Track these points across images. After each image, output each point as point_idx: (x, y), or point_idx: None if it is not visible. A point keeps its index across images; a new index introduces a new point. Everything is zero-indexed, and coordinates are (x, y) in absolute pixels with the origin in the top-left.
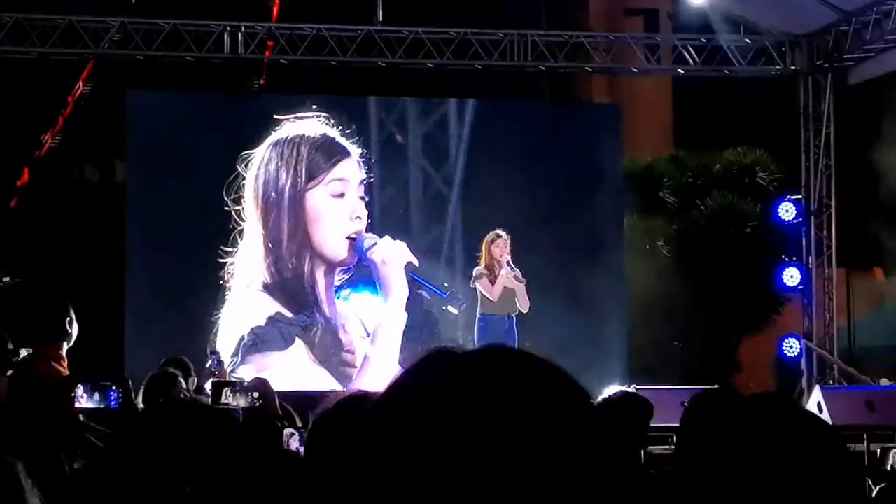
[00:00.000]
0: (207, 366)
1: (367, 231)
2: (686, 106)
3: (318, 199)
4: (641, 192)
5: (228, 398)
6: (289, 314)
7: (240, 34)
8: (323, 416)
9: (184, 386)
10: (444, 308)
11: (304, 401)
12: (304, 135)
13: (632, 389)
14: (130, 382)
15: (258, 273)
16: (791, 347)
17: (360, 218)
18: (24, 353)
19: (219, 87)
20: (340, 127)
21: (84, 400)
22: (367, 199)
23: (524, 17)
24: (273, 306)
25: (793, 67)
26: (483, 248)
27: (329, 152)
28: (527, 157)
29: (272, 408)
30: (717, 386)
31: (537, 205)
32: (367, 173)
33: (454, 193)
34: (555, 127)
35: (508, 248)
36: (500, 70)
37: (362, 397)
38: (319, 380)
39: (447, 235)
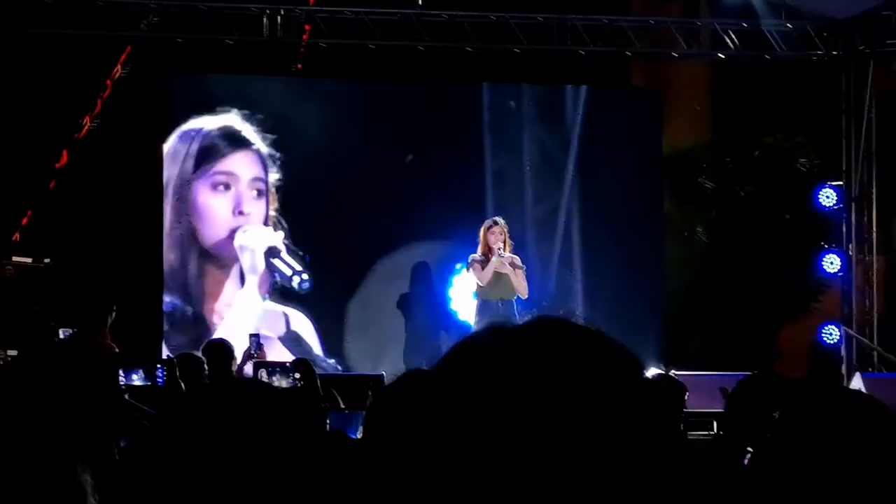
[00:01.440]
0: (247, 348)
1: None
2: (725, 91)
3: (200, 190)
4: (680, 178)
5: (267, 379)
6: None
7: (279, 17)
8: (382, 395)
9: (206, 372)
10: (289, 282)
11: (342, 383)
12: (202, 127)
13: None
14: (175, 362)
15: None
16: (830, 334)
17: (243, 213)
18: (62, 333)
19: (257, 71)
20: (258, 120)
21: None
22: (262, 196)
23: (564, 2)
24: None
25: (834, 53)
26: (480, 234)
27: (221, 145)
28: (566, 142)
29: (313, 389)
30: (756, 371)
31: (576, 190)
32: (276, 172)
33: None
34: (594, 111)
35: (504, 235)
36: (539, 54)
37: (422, 375)
38: None
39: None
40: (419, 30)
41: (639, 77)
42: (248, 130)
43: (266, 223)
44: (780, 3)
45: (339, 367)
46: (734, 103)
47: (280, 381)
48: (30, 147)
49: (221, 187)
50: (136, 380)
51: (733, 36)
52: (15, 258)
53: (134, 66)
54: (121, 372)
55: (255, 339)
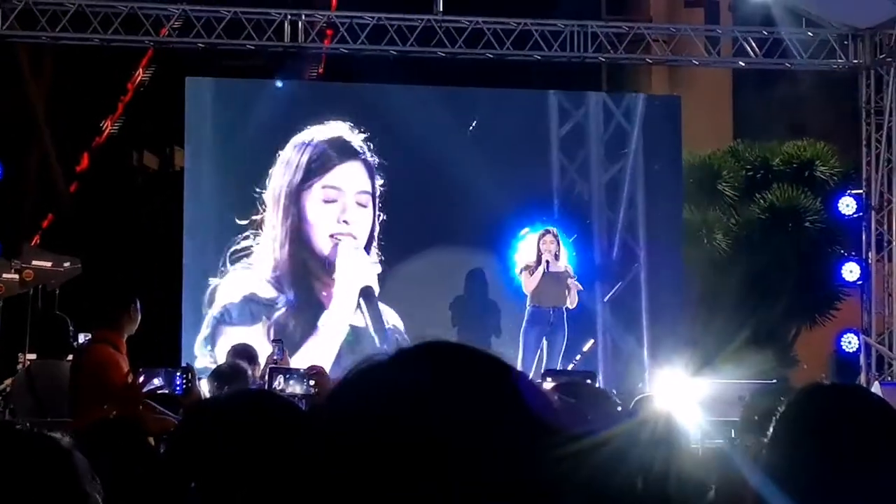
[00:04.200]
0: (269, 354)
1: None
2: (746, 98)
3: (310, 200)
4: (700, 185)
5: (282, 385)
6: (262, 295)
7: (300, 22)
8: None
9: (251, 380)
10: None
11: None
12: (313, 139)
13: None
14: (195, 369)
15: (269, 260)
16: (849, 343)
17: (347, 222)
18: (82, 338)
19: (278, 76)
20: (363, 132)
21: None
22: (367, 207)
23: (584, 8)
24: (251, 286)
25: (854, 61)
26: (534, 242)
27: (329, 157)
28: (572, 155)
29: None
30: (774, 381)
31: (595, 196)
32: (380, 181)
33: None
34: (614, 118)
35: (557, 245)
36: (559, 61)
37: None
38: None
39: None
40: (439, 36)
41: (659, 82)
42: (357, 141)
43: (371, 235)
44: (800, 11)
45: None
46: (755, 111)
47: (294, 388)
48: (51, 150)
49: (328, 201)
50: (154, 386)
51: (754, 44)
52: (34, 261)
53: (155, 71)
54: (141, 378)
55: (279, 344)
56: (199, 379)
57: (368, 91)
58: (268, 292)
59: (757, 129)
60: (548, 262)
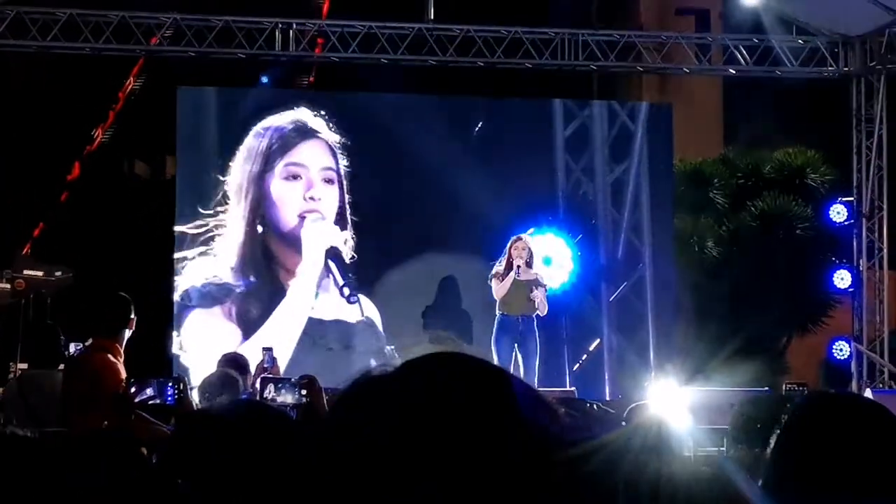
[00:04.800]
0: (259, 362)
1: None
2: (736, 106)
3: (273, 182)
4: (691, 193)
5: (274, 394)
6: (223, 278)
7: (291, 31)
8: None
9: (242, 389)
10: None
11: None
12: (271, 125)
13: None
14: (188, 379)
15: (233, 246)
16: (841, 350)
17: (313, 199)
18: (73, 347)
19: (269, 84)
20: (325, 115)
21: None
22: (333, 184)
23: (575, 16)
24: (213, 270)
25: (845, 69)
26: (506, 248)
27: (290, 138)
28: (577, 156)
29: (319, 406)
30: (766, 389)
31: (600, 196)
32: (345, 161)
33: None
34: (618, 118)
35: (528, 251)
36: (550, 69)
37: None
38: (231, 338)
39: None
40: (430, 44)
41: (649, 91)
42: (318, 122)
43: (341, 214)
44: (791, 19)
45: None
46: (746, 119)
47: (285, 397)
48: (42, 159)
49: (292, 177)
50: (146, 396)
51: (745, 52)
52: (26, 271)
53: (146, 79)
54: (133, 389)
55: (269, 352)
56: (191, 389)
57: (364, 98)
58: (229, 277)
59: (747, 136)
60: (518, 268)
